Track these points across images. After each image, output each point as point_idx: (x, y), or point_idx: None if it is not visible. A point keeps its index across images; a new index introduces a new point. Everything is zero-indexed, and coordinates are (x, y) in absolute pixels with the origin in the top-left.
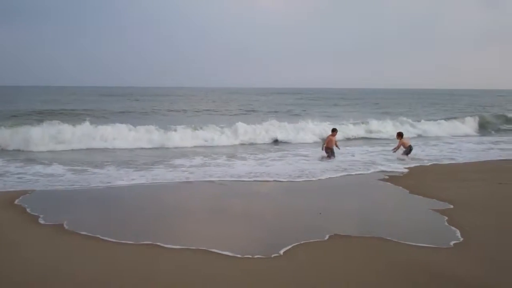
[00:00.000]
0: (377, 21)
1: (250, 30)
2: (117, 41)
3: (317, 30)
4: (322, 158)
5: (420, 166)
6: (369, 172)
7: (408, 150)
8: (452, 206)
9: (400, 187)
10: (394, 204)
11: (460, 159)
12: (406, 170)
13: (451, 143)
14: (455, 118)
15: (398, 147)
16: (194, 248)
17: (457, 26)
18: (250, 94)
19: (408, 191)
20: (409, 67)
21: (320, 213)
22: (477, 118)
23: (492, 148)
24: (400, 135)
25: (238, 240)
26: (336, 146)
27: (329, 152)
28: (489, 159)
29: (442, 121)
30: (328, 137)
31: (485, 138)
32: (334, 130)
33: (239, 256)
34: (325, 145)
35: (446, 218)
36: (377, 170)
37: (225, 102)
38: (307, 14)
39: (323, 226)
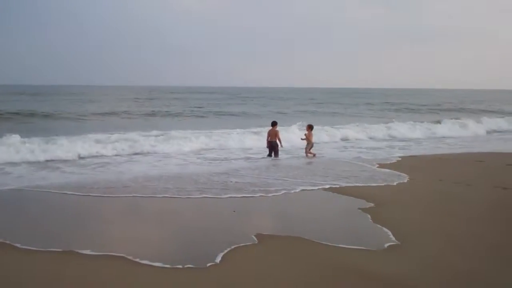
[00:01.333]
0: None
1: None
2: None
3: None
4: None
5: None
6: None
7: (311, 145)
8: (373, 204)
9: None
10: (311, 202)
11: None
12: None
13: (351, 141)
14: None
15: (306, 139)
16: (112, 254)
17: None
18: (166, 93)
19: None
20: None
21: (234, 211)
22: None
23: (394, 147)
24: (310, 127)
25: (162, 249)
26: (279, 140)
27: (272, 146)
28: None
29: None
30: (268, 131)
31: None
32: (274, 124)
33: (168, 266)
34: (268, 139)
35: (369, 216)
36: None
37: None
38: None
39: (244, 228)
